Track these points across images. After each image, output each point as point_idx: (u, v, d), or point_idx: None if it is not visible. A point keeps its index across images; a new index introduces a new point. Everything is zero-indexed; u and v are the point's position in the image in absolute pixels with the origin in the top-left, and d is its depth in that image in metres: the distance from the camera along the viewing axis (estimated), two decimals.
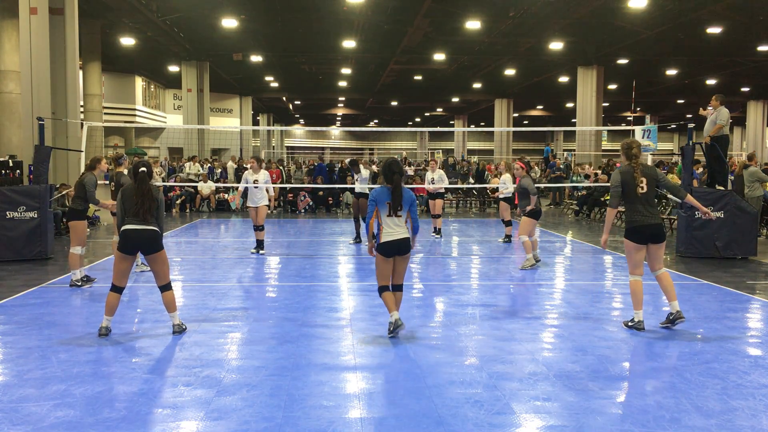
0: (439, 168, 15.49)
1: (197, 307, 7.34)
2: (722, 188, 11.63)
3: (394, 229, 5.96)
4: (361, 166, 12.96)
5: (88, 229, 14.69)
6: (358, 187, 12.68)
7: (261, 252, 11.17)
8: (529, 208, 10.04)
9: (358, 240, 12.70)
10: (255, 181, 11.24)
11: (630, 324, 6.44)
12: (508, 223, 13.17)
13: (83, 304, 7.53)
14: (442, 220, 14.34)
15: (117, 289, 6.08)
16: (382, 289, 6.08)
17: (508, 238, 12.90)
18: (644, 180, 6.24)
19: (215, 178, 21.98)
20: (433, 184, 13.89)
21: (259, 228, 11.20)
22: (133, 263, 6.23)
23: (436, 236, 13.58)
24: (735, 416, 4.26)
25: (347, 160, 14.04)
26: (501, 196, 13.08)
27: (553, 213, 21.04)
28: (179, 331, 6.17)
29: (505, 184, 12.81)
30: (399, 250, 5.98)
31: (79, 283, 8.40)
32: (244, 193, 12.17)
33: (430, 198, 14.16)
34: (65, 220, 8.65)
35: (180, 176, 21.87)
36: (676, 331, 6.35)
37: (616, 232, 15.30)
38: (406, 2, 22.16)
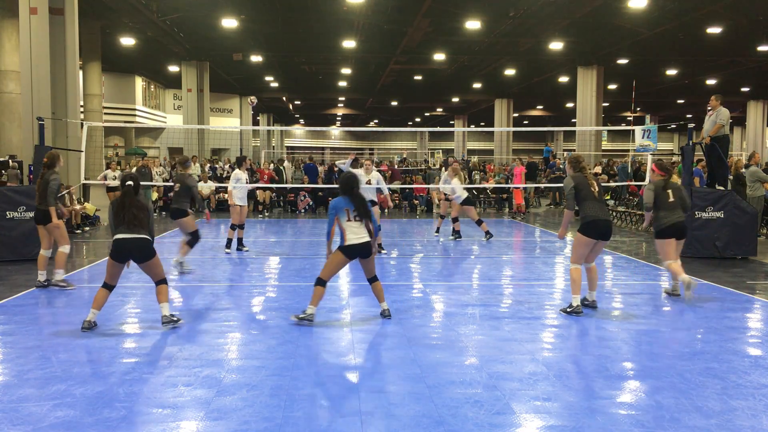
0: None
1: (197, 307, 7.34)
2: (722, 188, 11.63)
3: (356, 233, 6.41)
4: (362, 170, 11.46)
5: (87, 228, 14.79)
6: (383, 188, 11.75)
7: (245, 249, 11.52)
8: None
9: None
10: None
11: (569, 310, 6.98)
12: (455, 220, 13.27)
13: (83, 304, 7.52)
14: (443, 221, 14.29)
15: (108, 287, 6.29)
16: (321, 281, 6.46)
17: (480, 235, 12.79)
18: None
19: (222, 175, 21.91)
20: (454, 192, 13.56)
21: (242, 226, 11.58)
22: (124, 267, 6.36)
23: (437, 235, 13.74)
24: (735, 416, 4.26)
25: (340, 161, 12.67)
26: (457, 199, 12.93)
27: (553, 213, 21.05)
28: (167, 321, 6.27)
29: (454, 190, 12.78)
30: (362, 253, 6.45)
31: (47, 284, 8.21)
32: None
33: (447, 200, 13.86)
34: (37, 223, 8.44)
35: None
36: (676, 332, 6.35)
37: (617, 231, 15.31)
38: (406, 2, 22.16)
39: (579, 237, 7.08)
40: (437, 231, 13.95)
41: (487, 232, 13.16)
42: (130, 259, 6.28)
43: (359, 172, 11.44)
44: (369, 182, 11.32)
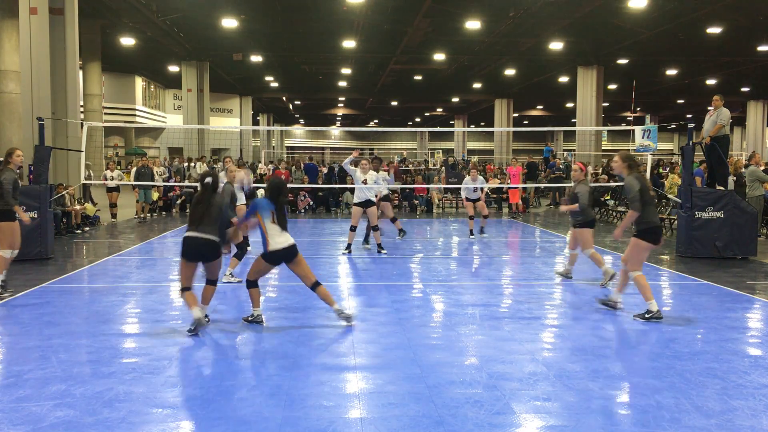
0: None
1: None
2: (722, 188, 11.63)
3: (280, 238, 6.29)
4: (359, 170, 11.43)
5: (87, 228, 14.78)
6: (380, 187, 11.68)
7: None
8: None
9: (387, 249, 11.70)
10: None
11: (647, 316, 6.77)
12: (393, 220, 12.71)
13: (83, 305, 7.53)
14: (473, 221, 14.33)
15: (187, 289, 6.16)
16: (250, 283, 6.44)
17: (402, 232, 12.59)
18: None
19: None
20: (475, 192, 13.88)
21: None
22: (197, 267, 6.27)
23: (483, 236, 13.76)
24: (735, 416, 4.26)
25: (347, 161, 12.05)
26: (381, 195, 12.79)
27: (553, 213, 21.05)
28: (197, 327, 6.15)
29: (378, 183, 12.69)
30: (287, 257, 6.33)
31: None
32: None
33: (470, 200, 14.05)
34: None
35: (192, 176, 21.78)
36: (676, 332, 6.35)
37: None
38: (406, 2, 22.17)
39: (639, 243, 6.84)
40: (475, 232, 13.92)
41: (472, 231, 13.73)
42: (200, 259, 6.22)
43: (356, 170, 11.43)
44: (365, 182, 11.21)
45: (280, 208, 6.43)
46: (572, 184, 9.12)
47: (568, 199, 9.04)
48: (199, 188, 6.39)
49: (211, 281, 6.44)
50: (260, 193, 12.43)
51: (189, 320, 6.67)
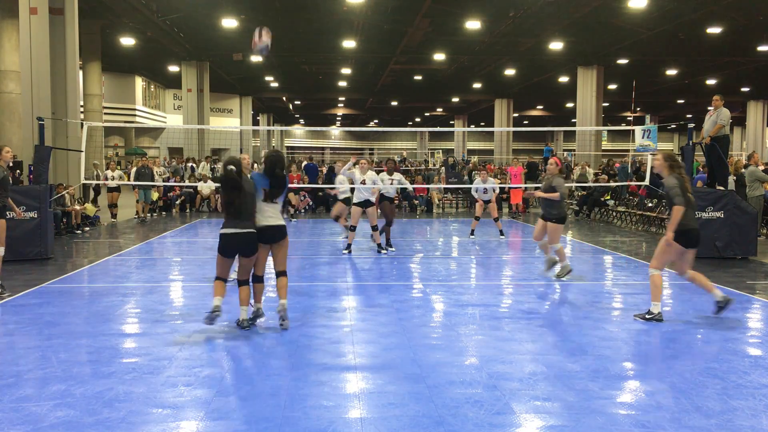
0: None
1: (197, 307, 7.33)
2: (722, 188, 11.63)
3: (270, 216, 6.21)
4: (356, 169, 11.35)
5: (87, 228, 14.78)
6: (386, 188, 11.61)
7: None
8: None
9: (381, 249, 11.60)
10: None
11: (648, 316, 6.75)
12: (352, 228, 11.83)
13: (83, 304, 7.53)
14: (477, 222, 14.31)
15: (222, 280, 6.17)
16: (255, 279, 6.37)
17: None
18: None
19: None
20: (486, 193, 13.86)
21: None
22: (234, 260, 6.25)
23: (502, 237, 13.74)
24: (735, 416, 4.26)
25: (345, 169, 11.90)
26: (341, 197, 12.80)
27: None
28: (247, 326, 6.19)
29: (342, 184, 12.71)
30: (274, 237, 6.24)
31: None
32: None
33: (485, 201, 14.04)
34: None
35: (195, 176, 21.78)
36: (676, 332, 6.35)
37: (617, 231, 15.31)
38: (406, 2, 22.15)
39: (672, 244, 6.75)
40: (496, 234, 14.00)
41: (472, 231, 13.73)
42: (237, 254, 6.15)
43: (355, 171, 11.35)
44: (363, 182, 11.15)
45: (277, 183, 6.22)
46: (548, 177, 9.36)
47: (544, 189, 9.17)
48: (222, 178, 6.11)
49: (245, 281, 6.27)
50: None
51: (188, 319, 6.68)
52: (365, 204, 11.23)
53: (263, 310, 6.56)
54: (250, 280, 6.39)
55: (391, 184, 11.75)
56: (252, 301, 6.44)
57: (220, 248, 6.12)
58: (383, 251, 11.36)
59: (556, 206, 8.98)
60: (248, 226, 6.08)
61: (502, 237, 13.73)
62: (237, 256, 6.25)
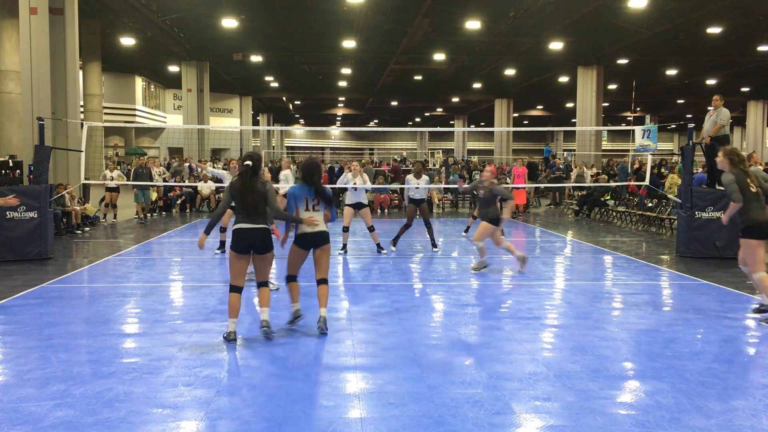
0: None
1: (197, 307, 7.34)
2: (722, 188, 11.62)
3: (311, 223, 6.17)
4: (350, 174, 11.72)
5: (87, 229, 14.77)
6: (413, 189, 11.77)
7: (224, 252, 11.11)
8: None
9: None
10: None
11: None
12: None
13: (83, 304, 7.53)
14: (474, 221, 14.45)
15: (236, 289, 5.91)
16: (290, 278, 6.36)
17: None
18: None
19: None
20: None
21: (223, 230, 11.18)
22: (249, 262, 6.01)
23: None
24: (735, 416, 4.26)
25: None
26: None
27: (553, 213, 21.05)
28: (267, 327, 5.94)
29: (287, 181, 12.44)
30: (316, 242, 6.21)
31: None
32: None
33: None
34: None
35: (194, 176, 21.75)
36: (676, 332, 6.35)
37: (617, 231, 15.31)
38: (406, 2, 22.17)
39: (748, 242, 6.71)
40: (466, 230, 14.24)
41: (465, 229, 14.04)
42: (252, 250, 5.90)
43: (348, 174, 11.68)
44: (355, 186, 11.44)
45: (319, 189, 6.20)
46: (485, 184, 9.77)
47: (484, 197, 9.72)
48: (238, 173, 5.97)
49: (262, 283, 6.05)
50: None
51: (188, 319, 6.68)
52: (357, 206, 11.56)
53: (301, 311, 6.42)
54: (285, 280, 6.35)
55: (417, 187, 11.80)
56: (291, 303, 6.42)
57: (232, 244, 5.93)
58: (383, 251, 11.37)
59: (492, 209, 9.54)
60: (261, 222, 5.91)
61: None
62: (252, 261, 6.09)
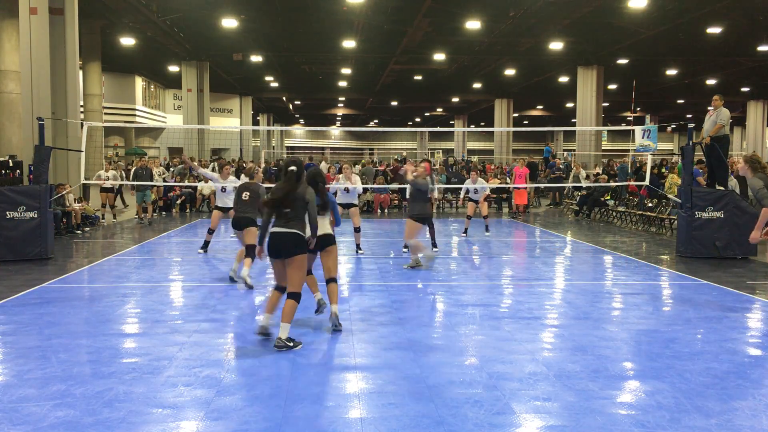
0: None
1: (197, 307, 7.34)
2: (722, 188, 11.63)
3: (320, 226, 6.27)
4: (342, 176, 12.17)
5: (88, 229, 14.77)
6: (360, 188, 12.14)
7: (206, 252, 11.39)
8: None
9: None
10: (223, 188, 11.07)
11: None
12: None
13: (83, 304, 7.53)
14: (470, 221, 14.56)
15: (279, 288, 5.95)
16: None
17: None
18: None
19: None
20: (476, 194, 14.52)
21: (211, 231, 11.44)
22: (284, 265, 5.78)
23: (487, 234, 14.22)
24: (735, 416, 4.26)
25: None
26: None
27: (553, 213, 21.05)
28: (282, 346, 5.61)
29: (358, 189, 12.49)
30: (321, 245, 6.36)
31: None
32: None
33: (472, 200, 14.79)
34: None
35: (193, 176, 21.70)
36: (676, 332, 6.35)
37: (617, 231, 15.31)
38: (406, 2, 22.15)
39: None
40: (472, 232, 14.34)
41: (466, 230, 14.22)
42: (281, 254, 5.74)
43: (340, 177, 12.30)
44: (347, 189, 11.91)
45: (322, 193, 6.29)
46: (418, 180, 9.99)
47: (411, 191, 10.12)
48: (282, 178, 5.85)
49: (290, 293, 5.72)
50: None
51: (188, 319, 6.68)
52: (347, 206, 11.98)
53: (324, 300, 6.52)
54: (290, 295, 5.83)
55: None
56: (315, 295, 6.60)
57: (267, 247, 5.88)
58: (360, 251, 11.50)
59: (418, 205, 9.85)
60: (294, 227, 5.75)
61: (487, 234, 14.16)
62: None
